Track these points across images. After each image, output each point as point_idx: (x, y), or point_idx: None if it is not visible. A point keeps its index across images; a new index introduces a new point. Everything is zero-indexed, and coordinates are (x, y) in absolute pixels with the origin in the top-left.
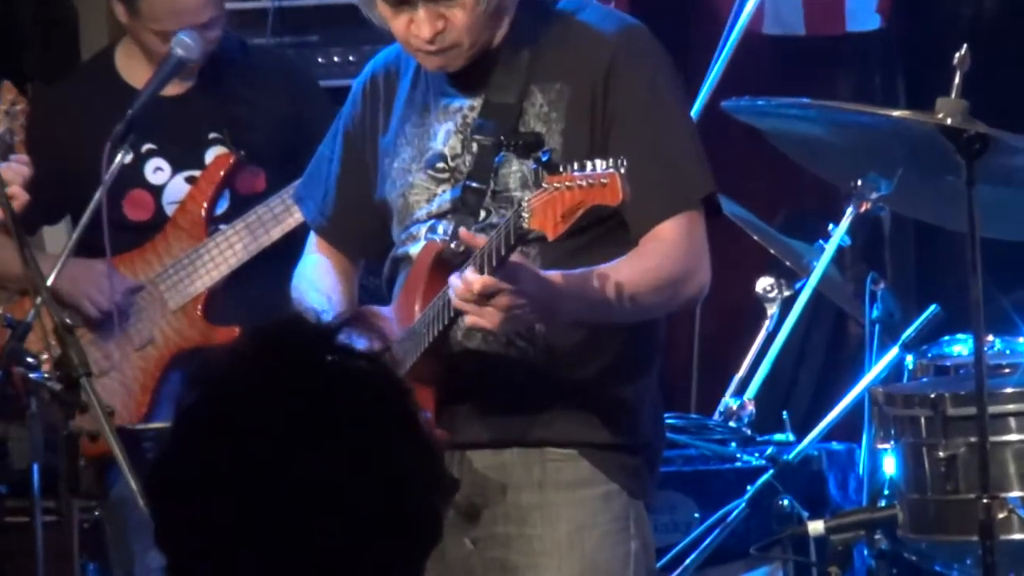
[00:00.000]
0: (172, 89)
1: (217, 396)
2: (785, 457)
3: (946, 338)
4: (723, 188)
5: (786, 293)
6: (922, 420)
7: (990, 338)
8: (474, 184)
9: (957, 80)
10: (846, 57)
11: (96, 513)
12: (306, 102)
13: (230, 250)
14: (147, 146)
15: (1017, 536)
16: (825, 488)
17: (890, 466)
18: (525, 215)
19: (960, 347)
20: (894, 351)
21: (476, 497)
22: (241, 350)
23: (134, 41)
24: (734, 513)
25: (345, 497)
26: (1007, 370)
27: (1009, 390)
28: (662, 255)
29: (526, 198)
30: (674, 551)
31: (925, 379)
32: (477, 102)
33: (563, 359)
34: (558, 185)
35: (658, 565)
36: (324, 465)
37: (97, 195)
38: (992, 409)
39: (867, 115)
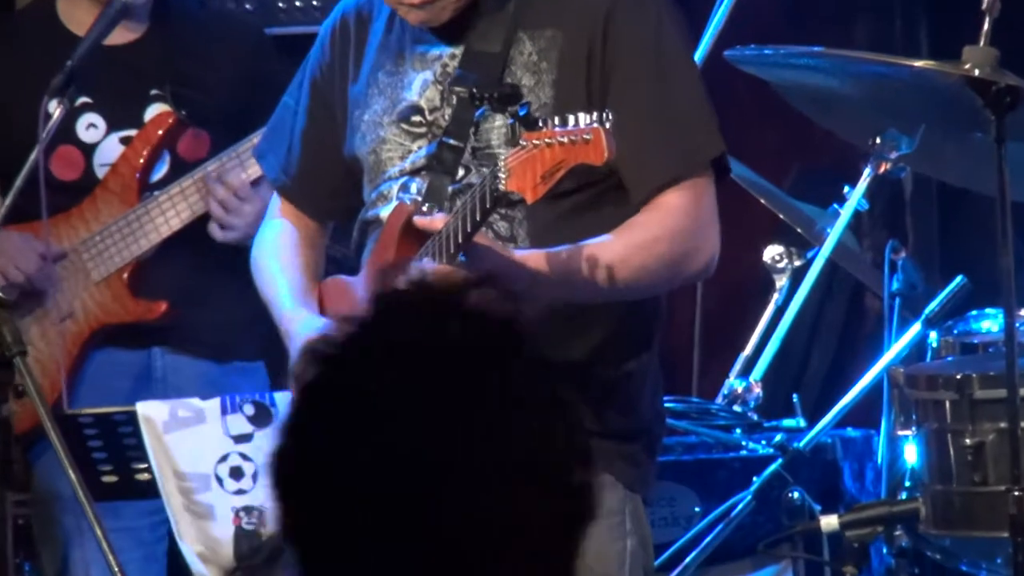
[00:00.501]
0: (116, 37)
1: (341, 371)
2: (795, 445)
3: (973, 313)
4: (727, 147)
5: (797, 263)
6: (947, 404)
7: (1022, 313)
8: (451, 141)
9: (986, 27)
10: (863, 1)
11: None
12: (261, 64)
13: (162, 218)
14: (81, 99)
15: None
16: (839, 479)
17: (911, 455)
18: (502, 176)
19: (989, 323)
20: (916, 327)
21: None
22: (364, 319)
23: None
24: (739, 507)
25: (485, 474)
26: None
27: None
28: (663, 228)
29: (502, 157)
30: (673, 548)
31: (950, 358)
32: (458, 50)
33: (550, 335)
34: (537, 142)
35: (656, 563)
36: (457, 440)
37: (33, 154)
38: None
39: (886, 66)
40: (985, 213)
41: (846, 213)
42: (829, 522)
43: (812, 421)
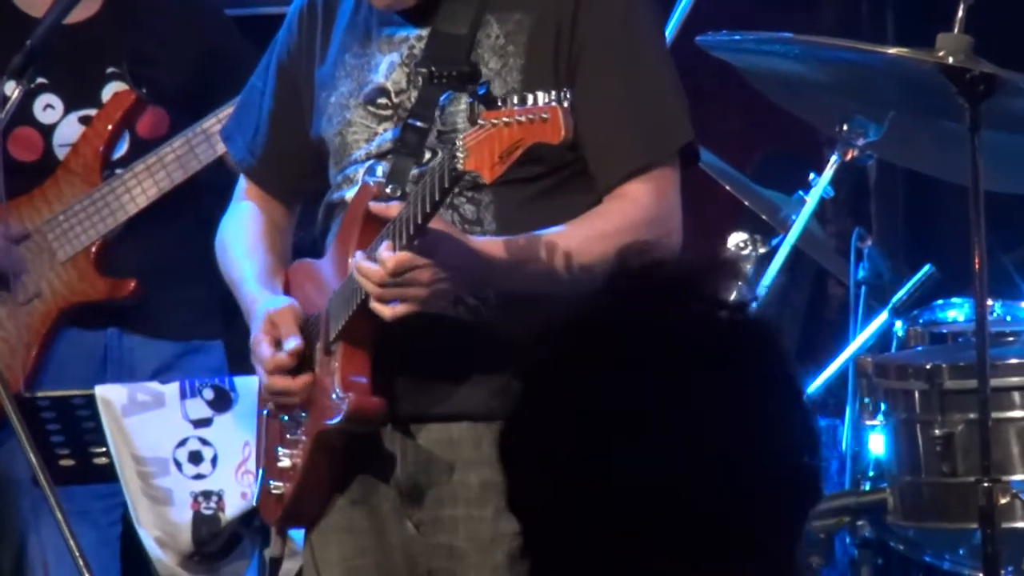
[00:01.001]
0: (70, 15)
1: (573, 349)
2: None
3: (939, 302)
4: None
5: (761, 250)
6: (916, 394)
7: (989, 302)
8: (417, 123)
9: (960, 14)
10: None
11: None
12: (220, 41)
13: (127, 196)
14: (38, 80)
15: (1020, 524)
16: None
17: (876, 445)
18: (460, 155)
19: (955, 312)
20: (883, 316)
21: (420, 476)
22: (597, 299)
23: None
24: None
25: (718, 456)
26: (1010, 339)
27: (1013, 361)
28: (624, 218)
29: (460, 137)
30: None
31: (920, 348)
32: (425, 32)
33: (518, 322)
34: (495, 121)
35: None
36: (694, 423)
37: None
38: (994, 382)
39: (857, 52)
40: (951, 201)
41: (812, 200)
42: None
43: None
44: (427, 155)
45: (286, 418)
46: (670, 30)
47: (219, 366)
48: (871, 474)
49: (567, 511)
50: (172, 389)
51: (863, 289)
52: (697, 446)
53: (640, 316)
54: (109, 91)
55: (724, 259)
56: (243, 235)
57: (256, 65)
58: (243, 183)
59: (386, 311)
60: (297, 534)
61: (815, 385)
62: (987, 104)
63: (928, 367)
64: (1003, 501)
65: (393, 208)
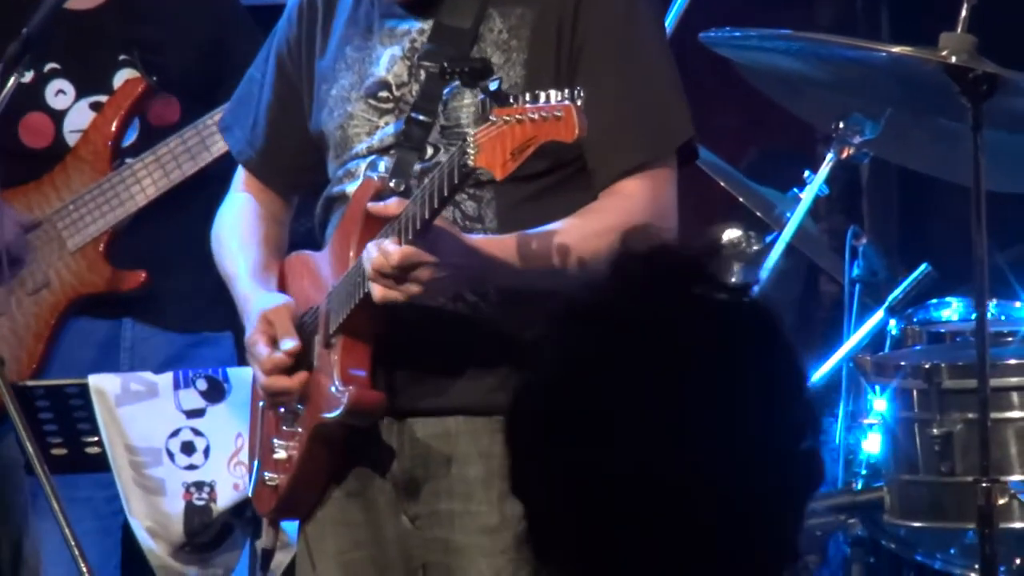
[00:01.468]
0: (84, 2)
1: (579, 331)
2: None
3: (934, 301)
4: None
5: (756, 247)
6: (914, 393)
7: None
8: (420, 117)
9: (964, 13)
10: None
11: None
12: (229, 28)
13: (137, 186)
14: (50, 65)
15: (1018, 524)
16: None
17: (870, 443)
18: (471, 152)
19: (949, 311)
20: (879, 314)
21: (417, 470)
22: (602, 282)
23: None
24: None
25: (719, 440)
26: (1008, 339)
27: (1012, 361)
28: (620, 215)
29: (471, 133)
30: None
31: (918, 347)
32: (427, 25)
33: (516, 317)
34: (508, 118)
35: None
36: (692, 405)
37: None
38: (993, 383)
39: (859, 50)
40: (943, 200)
41: (808, 197)
42: None
43: None
44: (430, 150)
45: (282, 409)
46: (667, 25)
47: (228, 357)
48: (863, 472)
49: (569, 500)
50: (166, 379)
51: (857, 287)
52: (701, 433)
53: (643, 302)
54: (120, 78)
55: (727, 243)
56: (239, 228)
57: None
58: (241, 174)
59: (378, 292)
60: (290, 526)
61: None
62: (987, 103)
63: (927, 366)
64: (1001, 501)
65: (392, 207)
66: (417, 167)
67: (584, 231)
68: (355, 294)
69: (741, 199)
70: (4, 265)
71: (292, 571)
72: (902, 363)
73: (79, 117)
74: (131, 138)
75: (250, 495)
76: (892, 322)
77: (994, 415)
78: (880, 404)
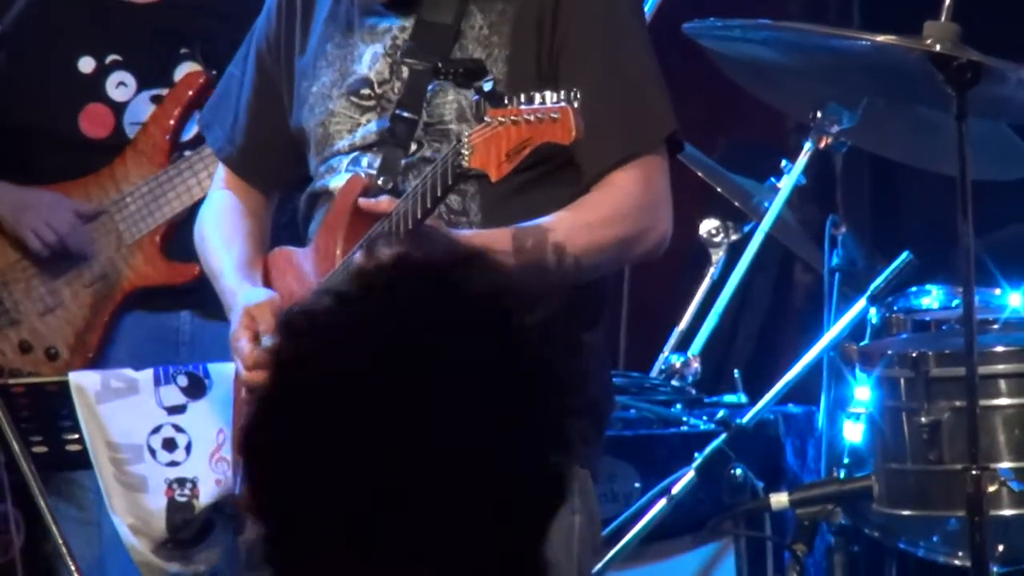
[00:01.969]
0: None
1: (321, 346)
2: (738, 421)
3: (914, 289)
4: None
5: (734, 237)
6: (902, 381)
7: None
8: (405, 114)
9: (948, 1)
10: None
11: None
12: None
13: (194, 179)
14: (111, 57)
15: (1007, 512)
16: (782, 456)
17: (852, 432)
18: (465, 152)
19: (929, 299)
20: (861, 303)
21: None
22: (344, 292)
23: None
24: (682, 483)
25: (452, 457)
26: (993, 325)
27: (999, 348)
28: (612, 208)
29: (466, 133)
30: (613, 525)
31: (904, 335)
32: (408, 22)
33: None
34: (503, 120)
35: None
36: (428, 419)
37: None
38: (980, 370)
39: (843, 39)
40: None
41: (787, 187)
42: (779, 500)
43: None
44: (414, 147)
45: None
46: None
47: None
48: (846, 461)
49: (309, 516)
50: (146, 376)
51: (837, 276)
52: (434, 448)
53: (382, 313)
54: (182, 71)
55: (476, 251)
56: (221, 224)
57: None
58: (221, 171)
59: None
60: None
61: (794, 372)
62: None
63: (914, 355)
64: (991, 489)
65: (383, 204)
66: (403, 163)
67: (576, 223)
68: None
69: (719, 189)
70: (60, 256)
71: None
72: (889, 351)
73: (140, 109)
74: (190, 132)
75: (237, 492)
76: (872, 311)
77: (982, 402)
78: (864, 393)
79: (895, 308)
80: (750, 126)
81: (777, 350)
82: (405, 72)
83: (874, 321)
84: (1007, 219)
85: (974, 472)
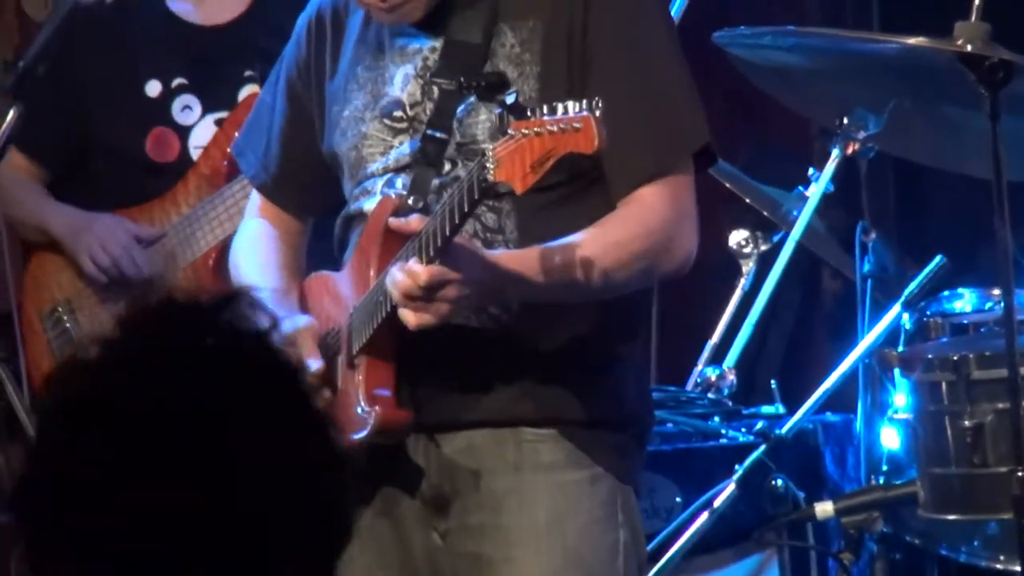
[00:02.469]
0: (215, 16)
1: (84, 396)
2: (778, 431)
3: (946, 293)
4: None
5: (763, 247)
6: (943, 385)
7: (996, 292)
8: (436, 134)
9: (977, 1)
10: None
11: None
12: None
13: (246, 200)
14: (177, 81)
15: None
16: (821, 465)
17: (890, 439)
18: (490, 166)
19: (962, 303)
20: (896, 309)
21: (444, 485)
22: (110, 339)
23: None
24: (723, 496)
25: (230, 503)
26: None
27: None
28: (640, 225)
29: (490, 147)
30: (656, 540)
31: (944, 339)
32: (438, 43)
33: (538, 327)
34: (526, 131)
35: None
36: (205, 467)
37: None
38: (1022, 371)
39: (872, 42)
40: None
41: (816, 194)
42: (824, 509)
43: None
44: (447, 166)
45: None
46: None
47: None
48: (884, 468)
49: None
50: None
51: (869, 283)
52: (216, 496)
53: (145, 358)
54: (245, 94)
55: (242, 289)
56: (256, 253)
57: None
58: (256, 199)
59: (412, 319)
60: None
61: (831, 381)
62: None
63: (955, 358)
64: None
65: (414, 223)
66: (435, 182)
67: (605, 241)
68: (377, 313)
69: (747, 199)
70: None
71: None
72: (929, 356)
73: (204, 133)
74: None
75: None
76: (905, 316)
77: None
78: (903, 399)
79: (928, 312)
80: (771, 133)
81: (807, 358)
82: (435, 92)
83: (908, 326)
84: None
85: (1020, 474)
